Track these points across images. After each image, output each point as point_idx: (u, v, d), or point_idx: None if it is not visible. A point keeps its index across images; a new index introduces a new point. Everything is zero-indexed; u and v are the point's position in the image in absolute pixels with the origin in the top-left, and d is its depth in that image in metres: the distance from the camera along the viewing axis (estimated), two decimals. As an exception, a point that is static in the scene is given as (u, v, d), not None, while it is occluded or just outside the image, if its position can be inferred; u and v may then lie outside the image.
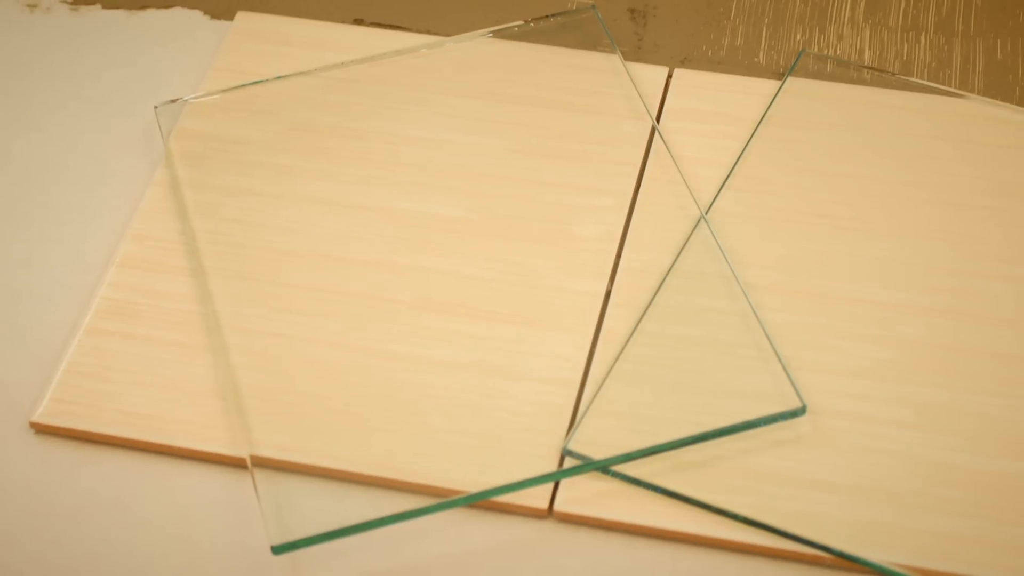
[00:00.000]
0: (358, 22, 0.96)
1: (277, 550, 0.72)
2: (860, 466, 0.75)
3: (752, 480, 0.75)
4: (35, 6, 0.98)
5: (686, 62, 0.93)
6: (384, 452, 0.76)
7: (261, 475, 0.75)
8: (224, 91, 0.91)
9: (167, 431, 0.78)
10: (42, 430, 0.79)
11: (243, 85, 0.91)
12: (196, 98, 0.91)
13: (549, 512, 0.75)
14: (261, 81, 0.91)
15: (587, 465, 0.75)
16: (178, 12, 0.98)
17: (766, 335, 0.79)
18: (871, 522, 0.73)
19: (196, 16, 0.97)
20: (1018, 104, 0.90)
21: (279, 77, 0.92)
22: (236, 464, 0.77)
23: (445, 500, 0.74)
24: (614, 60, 0.91)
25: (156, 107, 0.90)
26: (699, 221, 0.83)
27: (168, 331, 0.81)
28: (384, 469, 0.76)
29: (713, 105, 0.90)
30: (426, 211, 0.86)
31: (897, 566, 0.72)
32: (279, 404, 0.78)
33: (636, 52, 0.94)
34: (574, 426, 0.76)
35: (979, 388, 0.77)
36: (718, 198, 0.85)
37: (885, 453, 0.75)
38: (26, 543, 0.75)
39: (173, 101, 0.90)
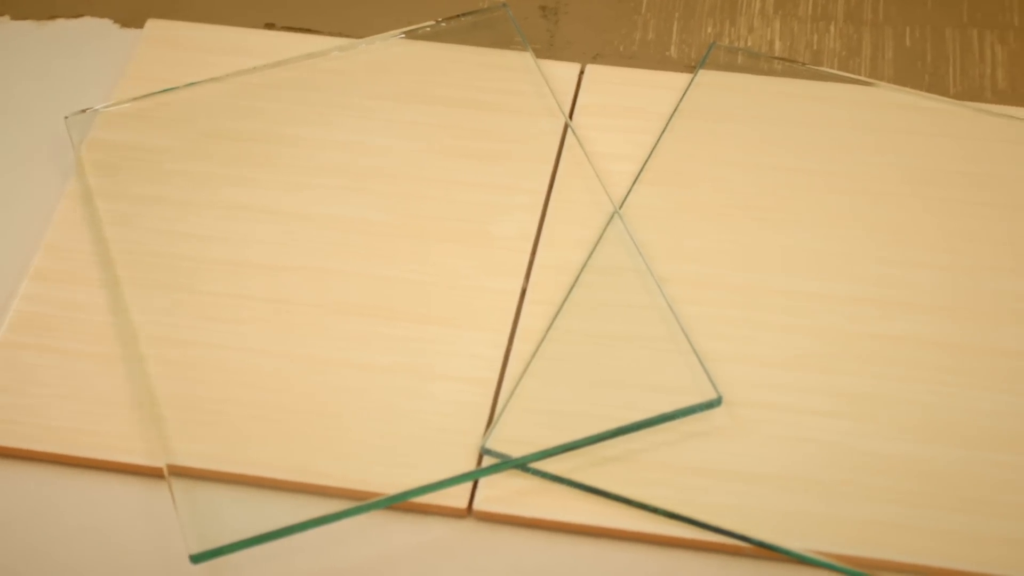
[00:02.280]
0: (269, 26, 0.96)
1: (195, 559, 0.72)
2: (778, 456, 0.75)
3: (671, 473, 0.75)
4: (-56, 19, 0.98)
5: (598, 58, 0.93)
6: (303, 457, 0.76)
7: (178, 484, 0.75)
8: (136, 99, 0.91)
9: (85, 444, 0.77)
10: (-42, 446, 0.78)
11: (155, 93, 0.91)
12: (107, 107, 0.90)
13: (469, 511, 0.75)
14: (173, 88, 0.91)
15: (505, 463, 0.75)
16: (88, 21, 0.97)
17: (681, 328, 0.79)
18: (790, 511, 0.74)
19: (106, 25, 0.97)
20: (927, 90, 0.90)
21: (191, 84, 0.91)
22: (155, 474, 0.77)
23: (364, 503, 0.74)
24: (526, 58, 0.92)
25: (66, 118, 0.89)
26: (612, 216, 0.84)
27: (84, 343, 0.81)
28: (303, 474, 0.76)
29: (625, 100, 0.90)
30: (342, 214, 0.85)
31: (817, 554, 0.72)
32: (197, 413, 0.78)
33: (548, 49, 0.94)
34: (492, 425, 0.77)
35: (897, 375, 0.78)
36: (631, 193, 0.85)
37: (803, 442, 0.76)
38: (-56, 560, 0.75)
39: (83, 111, 0.90)
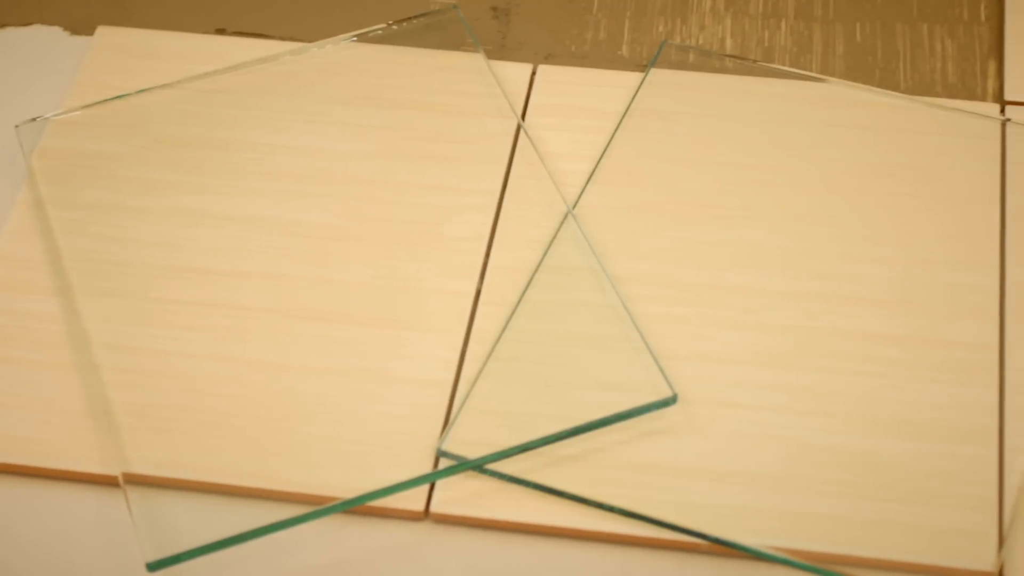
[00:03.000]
0: (220, 32, 0.95)
1: (152, 567, 0.72)
2: (733, 452, 0.76)
3: (627, 471, 0.75)
4: None
5: (550, 58, 0.93)
6: (260, 463, 0.76)
7: (134, 492, 0.75)
8: (87, 107, 0.90)
9: (39, 453, 0.77)
10: (-89, 458, 0.78)
11: (106, 100, 0.90)
12: (58, 115, 0.90)
13: (426, 514, 0.75)
14: (124, 95, 0.91)
15: (461, 465, 0.75)
16: (37, 29, 0.97)
17: (635, 326, 0.79)
18: (746, 507, 0.74)
19: (56, 32, 0.96)
20: (878, 85, 0.91)
21: (142, 91, 0.91)
22: (111, 483, 0.76)
23: (321, 507, 0.74)
24: (478, 59, 0.92)
25: (17, 126, 0.89)
26: (566, 216, 0.84)
27: (38, 352, 0.81)
28: (260, 480, 0.76)
29: (578, 100, 0.90)
30: (296, 219, 0.85)
31: (773, 549, 0.72)
32: (152, 420, 0.78)
33: (500, 50, 0.94)
34: (448, 427, 0.76)
35: (850, 369, 0.78)
36: (584, 192, 0.85)
37: (757, 438, 0.76)
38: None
39: (34, 119, 0.90)
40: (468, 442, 0.76)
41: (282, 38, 0.95)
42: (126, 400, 0.78)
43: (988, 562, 0.72)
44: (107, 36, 0.95)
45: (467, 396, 0.77)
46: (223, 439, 0.77)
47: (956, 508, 0.73)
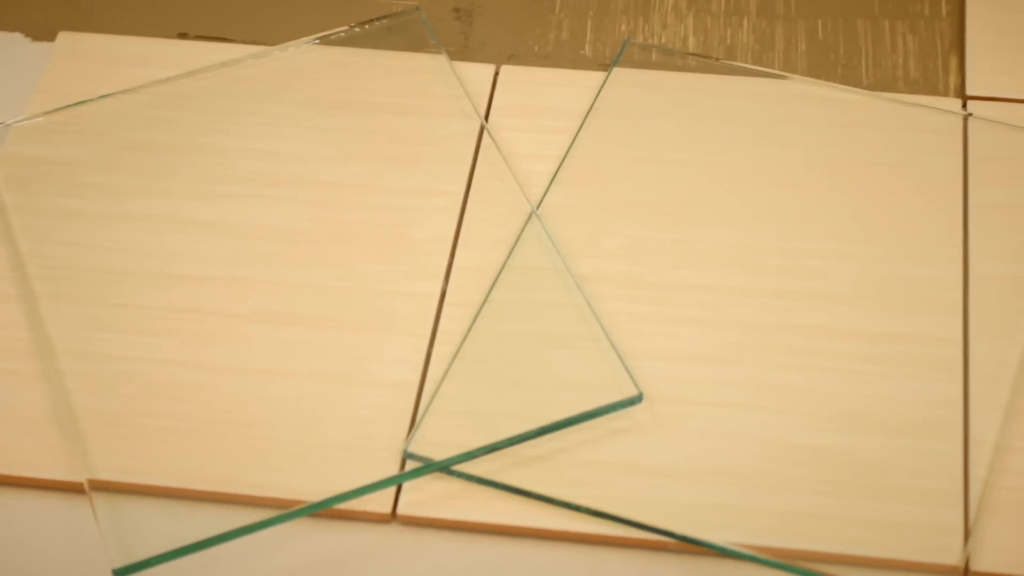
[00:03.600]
0: (182, 36, 0.95)
1: (118, 572, 0.72)
2: (699, 450, 0.76)
3: (594, 471, 0.75)
4: None
5: (513, 58, 0.94)
6: (225, 467, 0.76)
7: (99, 498, 0.75)
8: (49, 113, 0.90)
9: (5, 461, 0.77)
10: None
11: (68, 106, 0.90)
12: (19, 122, 0.90)
13: (393, 516, 0.75)
14: (86, 101, 0.91)
15: (428, 467, 0.75)
16: (-2, 36, 0.97)
17: (600, 326, 0.79)
18: (712, 504, 0.74)
19: (17, 39, 0.96)
20: (841, 82, 0.91)
21: (105, 96, 0.91)
22: (77, 490, 0.76)
23: (287, 511, 0.74)
24: (440, 60, 0.92)
25: (-22, 134, 0.89)
26: (530, 216, 0.84)
27: (1, 359, 0.80)
28: (226, 484, 0.76)
29: (541, 100, 0.90)
30: (260, 223, 0.85)
31: (739, 546, 0.73)
32: (118, 426, 0.77)
33: (463, 51, 0.94)
34: (414, 428, 0.76)
35: (815, 365, 0.78)
36: (549, 192, 0.85)
37: (723, 435, 0.76)
38: None
39: (-4, 126, 0.90)
40: (434, 444, 0.76)
41: (244, 42, 0.95)
42: (91, 407, 0.78)
43: (954, 556, 0.72)
44: (68, 42, 0.95)
45: (433, 397, 0.77)
46: (189, 444, 0.77)
47: (921, 502, 0.73)
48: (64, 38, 0.95)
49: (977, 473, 0.74)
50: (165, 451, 0.76)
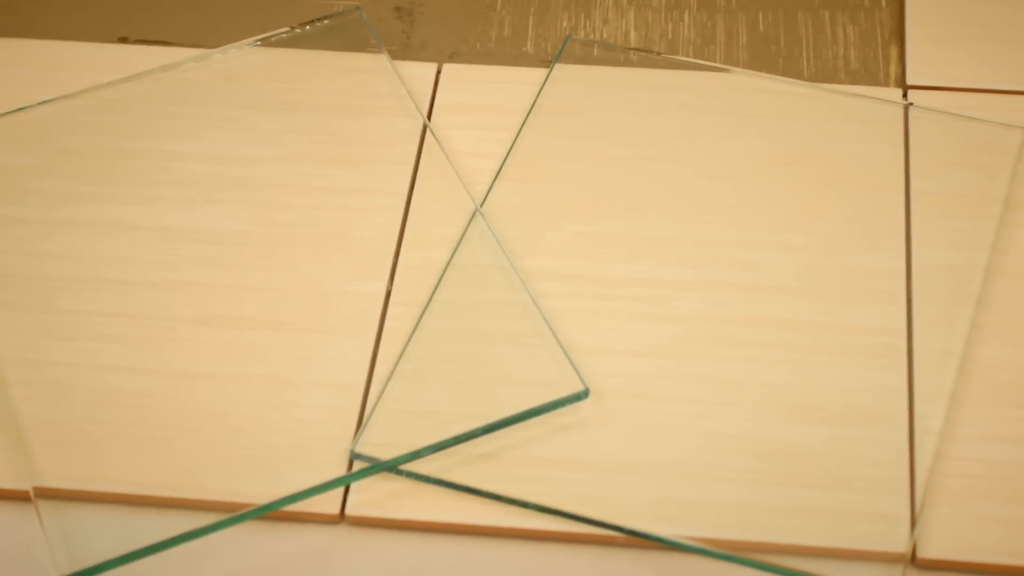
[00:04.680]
0: (123, 40, 0.95)
1: (65, 581, 0.71)
2: (647, 444, 0.76)
3: (541, 467, 0.75)
4: None
5: (455, 56, 0.93)
6: (172, 472, 0.76)
7: (45, 506, 0.74)
8: (-11, 120, 0.90)
9: (-51, 471, 0.76)
10: None
11: (8, 112, 0.90)
12: (-42, 130, 0.89)
13: (341, 517, 0.75)
14: (26, 107, 0.90)
15: (375, 467, 0.75)
16: (-65, 43, 0.96)
17: (546, 322, 0.79)
18: (661, 498, 0.74)
19: (-45, 46, 0.96)
20: (782, 74, 0.91)
21: (45, 102, 0.90)
22: (22, 498, 0.76)
23: (235, 514, 0.73)
24: (382, 60, 0.91)
25: (-83, 143, 0.88)
26: (474, 214, 0.84)
27: (-55, 369, 0.80)
28: (173, 489, 0.75)
29: (483, 97, 0.90)
30: (204, 226, 0.85)
31: (689, 539, 0.73)
32: (62, 434, 0.77)
33: (405, 50, 0.94)
34: (360, 429, 0.76)
35: (760, 357, 0.79)
36: (492, 190, 0.85)
37: (671, 429, 0.76)
38: None
39: (-66, 136, 0.89)
40: (382, 444, 0.75)
41: (185, 45, 0.94)
42: (36, 414, 0.77)
43: (901, 543, 0.72)
44: (6, 48, 0.94)
45: (379, 397, 0.77)
46: (135, 450, 0.76)
47: (869, 491, 0.74)
48: (3, 44, 0.95)
49: (923, 461, 0.75)
50: (111, 457, 0.76)
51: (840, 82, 0.91)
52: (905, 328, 0.79)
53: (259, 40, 0.93)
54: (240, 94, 0.91)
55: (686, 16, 0.95)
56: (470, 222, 0.84)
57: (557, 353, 0.78)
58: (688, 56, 0.93)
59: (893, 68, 0.91)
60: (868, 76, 0.91)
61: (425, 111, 0.89)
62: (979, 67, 0.90)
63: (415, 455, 0.75)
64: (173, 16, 0.96)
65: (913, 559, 0.72)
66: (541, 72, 0.91)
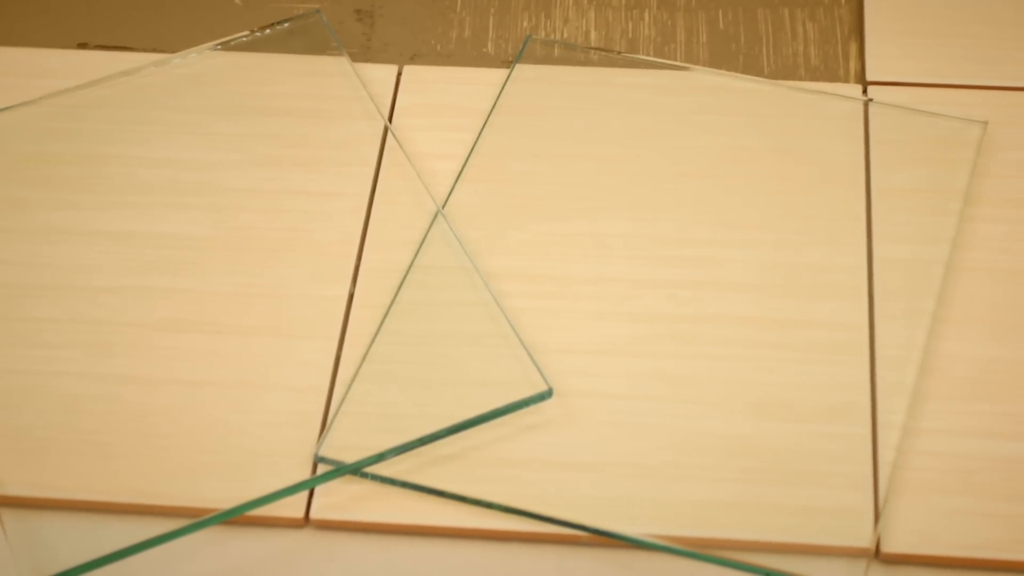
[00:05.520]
0: (82, 46, 0.95)
1: (29, 589, 0.71)
2: (610, 443, 0.76)
3: (506, 468, 0.75)
4: None
5: (416, 58, 0.93)
6: (137, 479, 0.75)
7: (8, 515, 0.74)
8: (-52, 128, 0.89)
9: (-89, 480, 0.76)
10: None
11: (-33, 120, 0.90)
12: (-83, 138, 0.89)
13: (306, 520, 0.75)
14: (-14, 114, 0.90)
15: (339, 470, 0.74)
16: None
17: (508, 322, 0.79)
18: (625, 497, 0.74)
19: (-86, 54, 0.95)
20: (742, 71, 0.91)
21: (4, 108, 0.90)
22: (-14, 506, 0.76)
23: (199, 520, 0.73)
24: (343, 63, 0.91)
25: None
26: (436, 216, 0.84)
27: (-94, 378, 0.80)
28: (138, 495, 0.75)
29: (444, 99, 0.90)
30: (166, 231, 0.85)
31: (652, 537, 0.73)
32: (24, 442, 0.77)
33: (365, 52, 0.94)
34: (325, 431, 0.76)
35: (723, 354, 0.79)
36: (454, 191, 0.85)
37: (634, 427, 0.76)
38: None
39: None
40: (346, 446, 0.75)
41: (145, 50, 0.94)
42: (-2, 422, 0.77)
43: (865, 538, 0.72)
44: (-35, 56, 0.94)
45: (343, 400, 0.77)
46: (98, 456, 0.76)
47: (832, 487, 0.74)
48: (-40, 52, 0.94)
49: (886, 455, 0.75)
50: (74, 464, 0.76)
51: (800, 79, 0.91)
52: (866, 323, 0.79)
53: (219, 44, 0.93)
54: (201, 98, 0.91)
55: (646, 15, 0.95)
56: (432, 223, 0.84)
57: (520, 353, 0.78)
58: (649, 55, 0.93)
59: (853, 64, 0.92)
60: (828, 72, 0.91)
61: (386, 113, 0.89)
62: (938, 62, 0.90)
63: (379, 457, 0.75)
64: (133, 21, 0.96)
65: (877, 553, 0.73)
66: (502, 73, 0.91)
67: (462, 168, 0.86)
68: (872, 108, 0.88)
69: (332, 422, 0.76)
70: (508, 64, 0.92)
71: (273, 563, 0.74)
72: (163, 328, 0.81)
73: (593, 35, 0.94)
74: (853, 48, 0.92)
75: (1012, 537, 0.72)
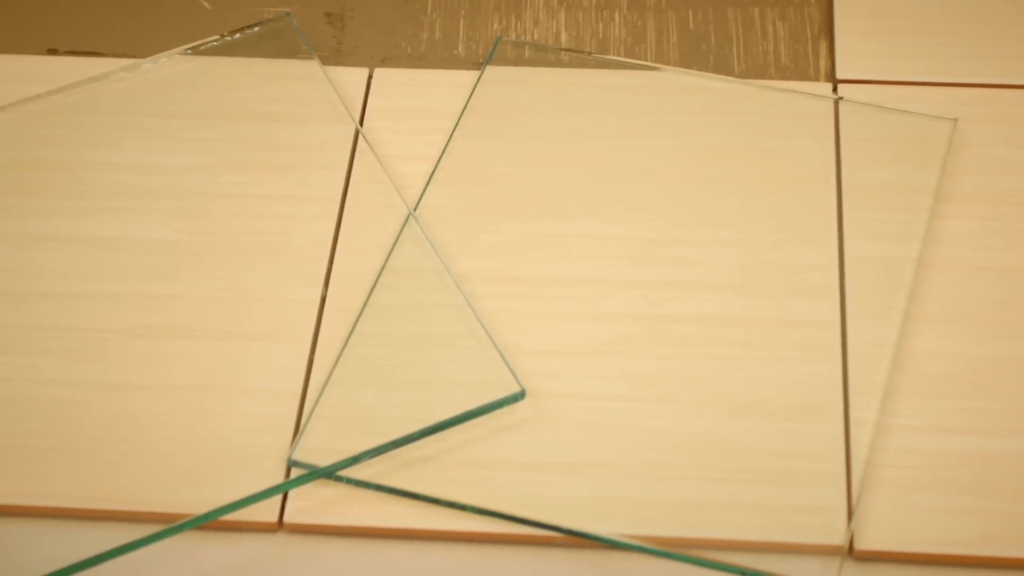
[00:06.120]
0: (52, 52, 0.94)
1: (1, 597, 0.71)
2: (584, 443, 0.76)
3: (479, 469, 0.75)
4: None
5: (386, 61, 0.93)
6: (109, 485, 0.75)
7: (-20, 522, 0.74)
8: (-83, 135, 0.89)
9: None
10: None
11: (-63, 128, 0.89)
12: None
13: (280, 525, 0.75)
14: (-45, 122, 0.90)
15: (312, 473, 0.74)
16: None
17: (481, 324, 0.79)
18: (598, 497, 0.74)
19: None
20: (713, 71, 0.91)
21: (-26, 116, 0.90)
22: (-42, 514, 0.75)
23: (172, 525, 0.73)
24: (313, 66, 0.91)
25: None
26: (408, 218, 0.84)
27: None
28: (110, 501, 0.75)
29: (415, 101, 0.90)
30: (137, 236, 0.85)
31: (626, 537, 0.73)
32: (-3, 448, 0.77)
33: (336, 56, 0.94)
34: (298, 435, 0.76)
35: (696, 353, 0.79)
36: (426, 193, 0.85)
37: (608, 428, 0.76)
38: None
39: None
40: (319, 450, 0.75)
41: (115, 55, 0.94)
42: (-32, 430, 0.77)
43: (838, 536, 0.72)
44: (-65, 63, 0.94)
45: (316, 404, 0.77)
46: (70, 463, 0.76)
47: (805, 485, 0.74)
48: (-70, 59, 0.94)
49: (859, 453, 0.75)
50: (46, 471, 0.76)
51: (771, 78, 0.91)
52: (839, 321, 0.79)
53: (189, 49, 0.93)
54: (171, 103, 0.91)
55: (616, 16, 0.95)
56: (404, 226, 0.84)
57: (493, 355, 0.78)
58: (619, 55, 0.93)
59: (823, 63, 0.92)
60: (798, 71, 0.92)
61: (357, 116, 0.89)
62: (908, 60, 0.90)
63: (353, 461, 0.75)
64: (102, 27, 0.96)
65: (850, 551, 0.73)
66: (473, 74, 0.91)
67: (433, 170, 0.86)
68: (842, 106, 0.88)
69: (305, 426, 0.76)
70: (479, 66, 0.92)
71: (247, 568, 0.74)
72: (135, 334, 0.81)
73: (564, 36, 0.94)
74: (823, 47, 0.93)
75: (984, 533, 0.72)
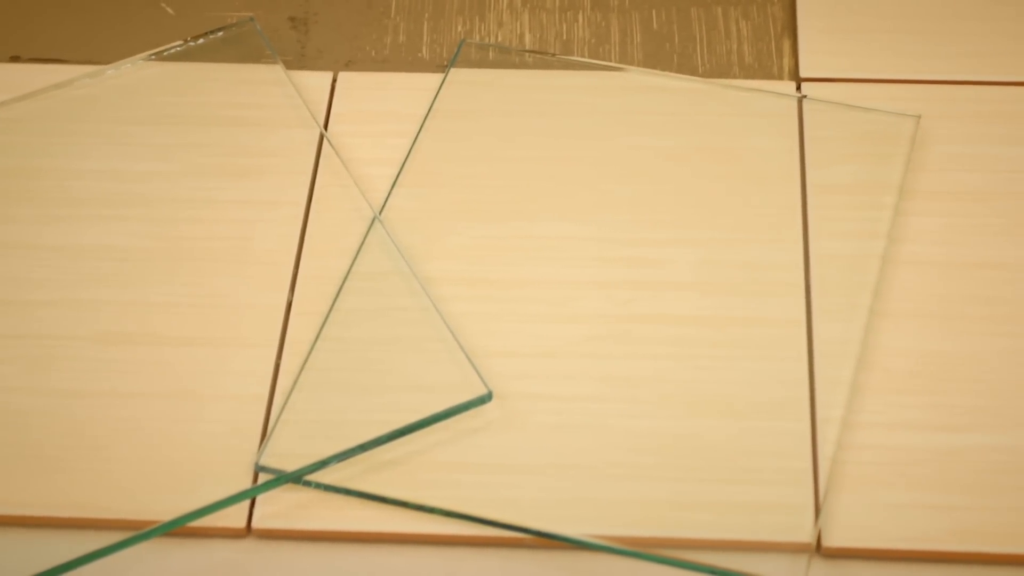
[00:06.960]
0: (15, 59, 0.94)
1: (-32, 606, 0.71)
2: (551, 444, 0.76)
3: (447, 472, 0.75)
4: None
5: (351, 64, 0.93)
6: (75, 493, 0.75)
7: (-54, 532, 0.74)
8: None
9: None
10: None
11: (-101, 137, 0.89)
12: None
13: (248, 530, 0.75)
14: (-82, 130, 0.89)
15: (280, 478, 0.74)
16: None
17: (447, 327, 0.79)
18: (567, 498, 0.74)
19: None
20: (677, 71, 0.92)
21: (-64, 124, 0.90)
22: (-76, 524, 0.75)
23: (140, 532, 0.73)
24: (277, 71, 0.91)
25: None
26: (373, 222, 0.84)
27: None
28: (77, 509, 0.75)
29: (380, 105, 0.90)
30: (102, 243, 0.84)
31: (595, 537, 0.73)
32: (-37, 457, 0.76)
33: (300, 60, 0.94)
34: (265, 440, 0.76)
35: (662, 353, 0.79)
36: (391, 196, 0.85)
37: (575, 428, 0.76)
38: None
39: None
40: (286, 455, 0.75)
41: (78, 62, 0.94)
42: (-65, 439, 0.77)
43: (806, 533, 0.73)
44: (-103, 71, 0.93)
45: (283, 408, 0.77)
46: (37, 471, 0.76)
47: (772, 483, 0.74)
48: None
49: (825, 450, 0.75)
50: (13, 479, 0.75)
51: (734, 77, 0.91)
52: (804, 319, 0.80)
53: (152, 55, 0.93)
54: (135, 109, 0.90)
55: (580, 17, 0.95)
56: (369, 229, 0.84)
57: (459, 357, 0.78)
58: (583, 56, 0.93)
59: (787, 61, 0.92)
60: (762, 70, 0.92)
61: (321, 120, 0.89)
62: (870, 57, 0.91)
63: (320, 465, 0.75)
64: (65, 33, 0.95)
65: (818, 548, 0.73)
66: (437, 77, 0.91)
67: (398, 173, 0.86)
68: (806, 104, 0.88)
69: (272, 431, 0.76)
70: (443, 68, 0.92)
71: (216, 574, 0.74)
72: (101, 340, 0.80)
73: (528, 38, 0.94)
74: (786, 45, 0.93)
75: (951, 528, 0.73)
